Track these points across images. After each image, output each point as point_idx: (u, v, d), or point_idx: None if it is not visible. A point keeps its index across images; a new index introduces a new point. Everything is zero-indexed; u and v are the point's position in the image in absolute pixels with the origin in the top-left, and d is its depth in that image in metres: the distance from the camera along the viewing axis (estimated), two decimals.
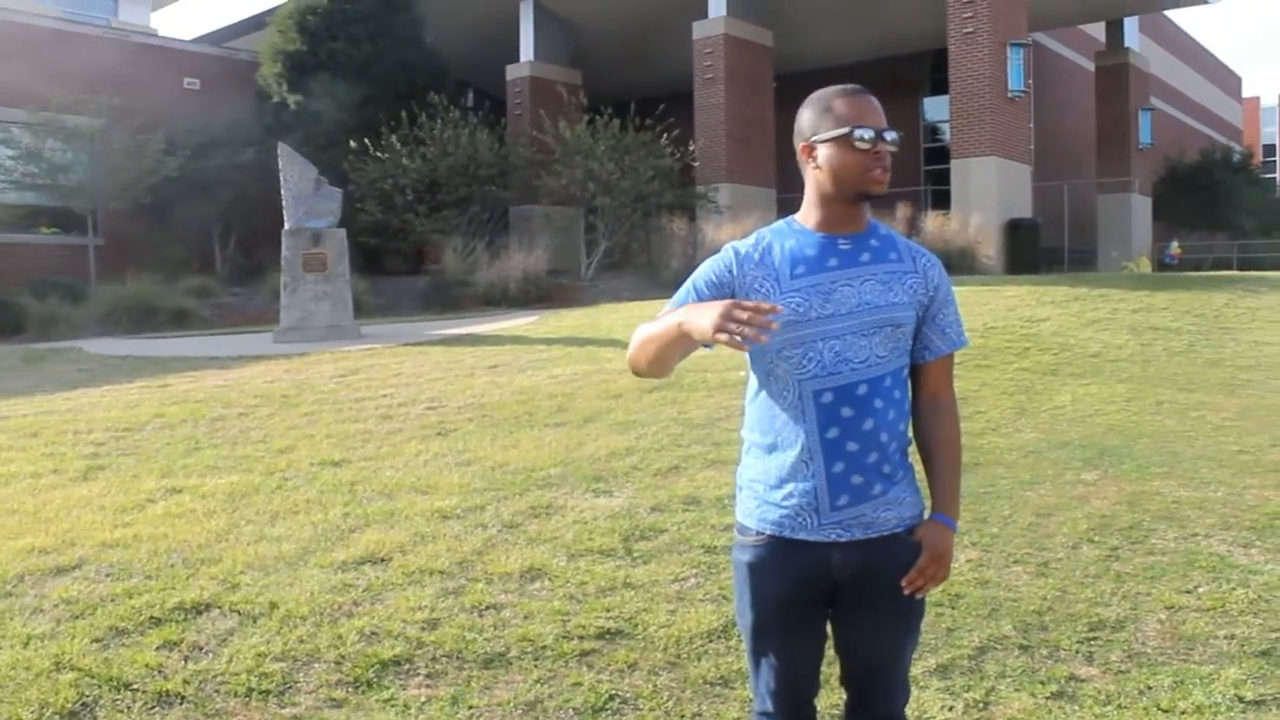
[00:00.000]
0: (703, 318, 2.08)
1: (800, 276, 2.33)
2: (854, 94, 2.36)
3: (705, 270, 2.41)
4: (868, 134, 2.30)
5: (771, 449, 2.37)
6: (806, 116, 2.39)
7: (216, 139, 22.03)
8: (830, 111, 2.34)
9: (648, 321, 2.35)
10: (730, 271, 2.37)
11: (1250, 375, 9.88)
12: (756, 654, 2.46)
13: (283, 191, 13.85)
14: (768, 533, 2.38)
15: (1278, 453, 6.97)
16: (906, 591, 2.34)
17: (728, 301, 2.06)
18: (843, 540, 2.33)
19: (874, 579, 2.35)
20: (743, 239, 2.46)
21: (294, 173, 13.82)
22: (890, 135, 2.32)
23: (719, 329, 2.02)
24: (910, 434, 2.45)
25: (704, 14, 23.20)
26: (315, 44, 23.02)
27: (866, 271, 2.34)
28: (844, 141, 2.31)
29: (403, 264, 23.77)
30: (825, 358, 2.29)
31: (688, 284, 2.41)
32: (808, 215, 2.41)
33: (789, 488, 2.34)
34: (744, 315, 2.01)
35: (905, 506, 2.37)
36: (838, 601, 2.40)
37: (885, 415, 2.33)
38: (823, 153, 2.35)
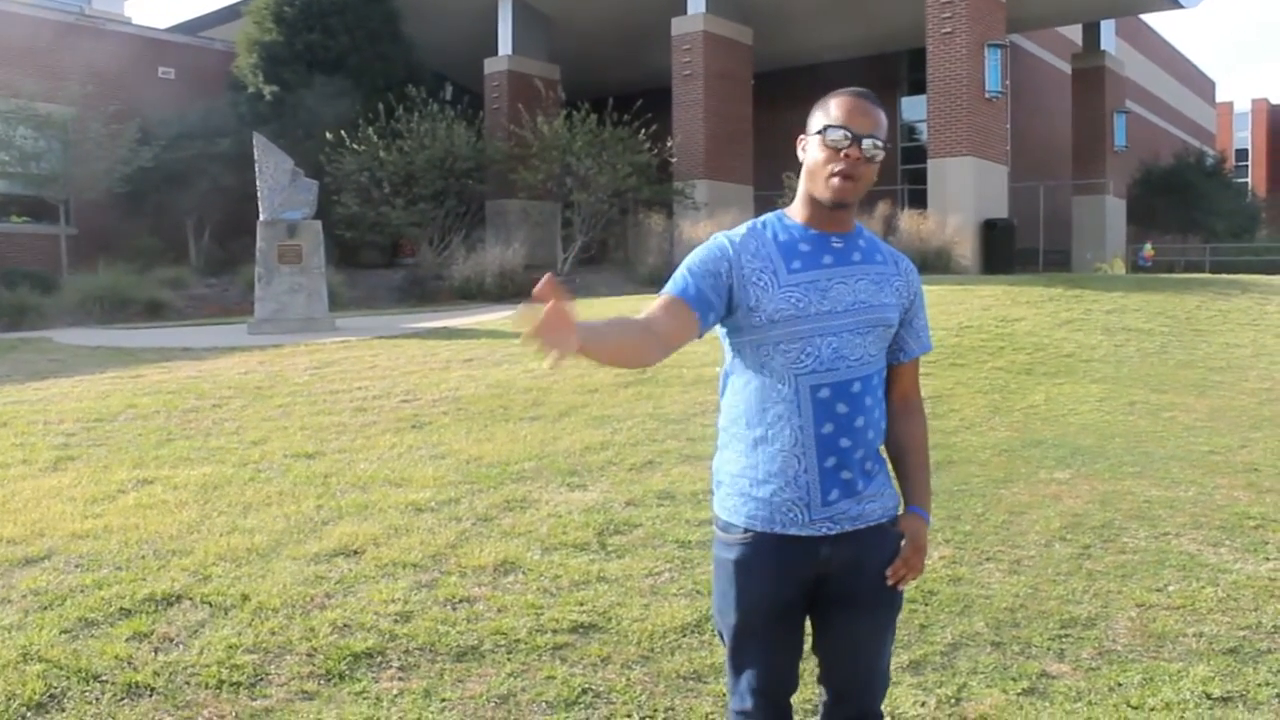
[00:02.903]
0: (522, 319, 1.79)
1: (797, 271, 2.31)
2: (851, 95, 2.32)
3: (699, 256, 2.34)
4: (839, 134, 2.26)
5: (759, 442, 2.33)
6: (813, 111, 2.36)
7: (192, 129, 21.87)
8: (824, 108, 2.32)
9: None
10: (727, 260, 2.30)
11: (1221, 377, 9.96)
12: (739, 653, 2.42)
13: (258, 183, 13.76)
14: (756, 529, 2.34)
15: (1247, 453, 7.04)
16: (890, 582, 2.38)
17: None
18: (832, 534, 2.33)
19: (860, 570, 2.36)
20: (732, 230, 2.41)
21: (270, 164, 13.74)
22: (869, 142, 2.26)
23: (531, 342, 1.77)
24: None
25: (683, 10, 23.20)
26: (292, 35, 22.89)
27: (859, 271, 2.35)
28: (819, 137, 2.30)
29: (379, 257, 23.69)
30: (824, 353, 2.28)
31: (683, 272, 2.33)
32: (798, 211, 2.39)
33: (778, 482, 2.31)
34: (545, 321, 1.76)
35: (886, 498, 2.40)
36: (820, 597, 2.39)
37: (873, 413, 2.35)
38: (807, 147, 2.34)
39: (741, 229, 2.39)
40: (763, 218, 2.43)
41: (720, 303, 2.30)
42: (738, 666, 2.44)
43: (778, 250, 2.33)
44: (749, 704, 2.43)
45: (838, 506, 2.31)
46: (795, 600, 2.38)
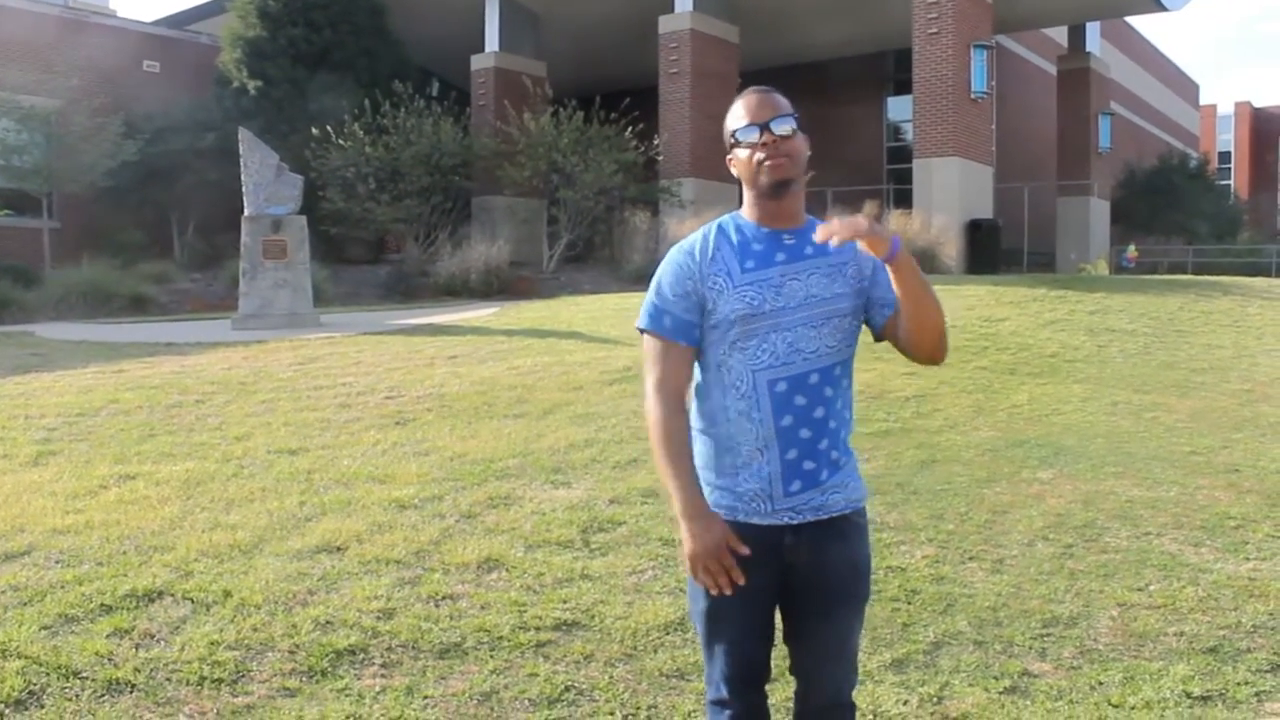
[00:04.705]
0: (688, 541, 2.29)
1: (750, 271, 2.40)
2: (747, 94, 2.45)
3: (670, 282, 2.44)
4: (750, 135, 2.39)
5: (725, 437, 2.41)
6: (726, 121, 2.48)
7: (176, 123, 21.72)
8: (730, 119, 2.46)
9: (657, 409, 2.37)
10: (692, 278, 2.42)
11: (1203, 378, 10.02)
12: (710, 639, 2.49)
13: (243, 177, 13.70)
14: (721, 516, 2.39)
15: (1228, 454, 7.08)
16: (818, 238, 2.26)
17: (701, 553, 2.26)
18: (794, 523, 2.39)
19: (824, 560, 2.41)
20: (688, 240, 2.51)
21: (255, 159, 13.68)
22: (776, 123, 2.37)
23: (694, 572, 2.31)
24: (853, 421, 2.52)
25: (670, 9, 23.17)
26: (275, 29, 22.74)
27: (811, 265, 2.42)
28: (736, 144, 2.44)
29: (364, 253, 23.59)
30: (779, 348, 2.36)
31: (656, 300, 2.44)
32: (749, 211, 2.48)
33: (743, 475, 2.39)
34: (708, 582, 2.29)
35: (850, 489, 2.45)
36: (787, 585, 2.45)
37: (835, 403, 2.42)
38: (734, 160, 2.47)
39: (696, 236, 2.50)
40: (718, 220, 2.52)
41: (697, 317, 2.43)
42: (710, 654, 2.51)
43: (733, 251, 2.43)
44: (723, 692, 2.51)
45: (800, 497, 2.39)
46: (763, 587, 2.41)
